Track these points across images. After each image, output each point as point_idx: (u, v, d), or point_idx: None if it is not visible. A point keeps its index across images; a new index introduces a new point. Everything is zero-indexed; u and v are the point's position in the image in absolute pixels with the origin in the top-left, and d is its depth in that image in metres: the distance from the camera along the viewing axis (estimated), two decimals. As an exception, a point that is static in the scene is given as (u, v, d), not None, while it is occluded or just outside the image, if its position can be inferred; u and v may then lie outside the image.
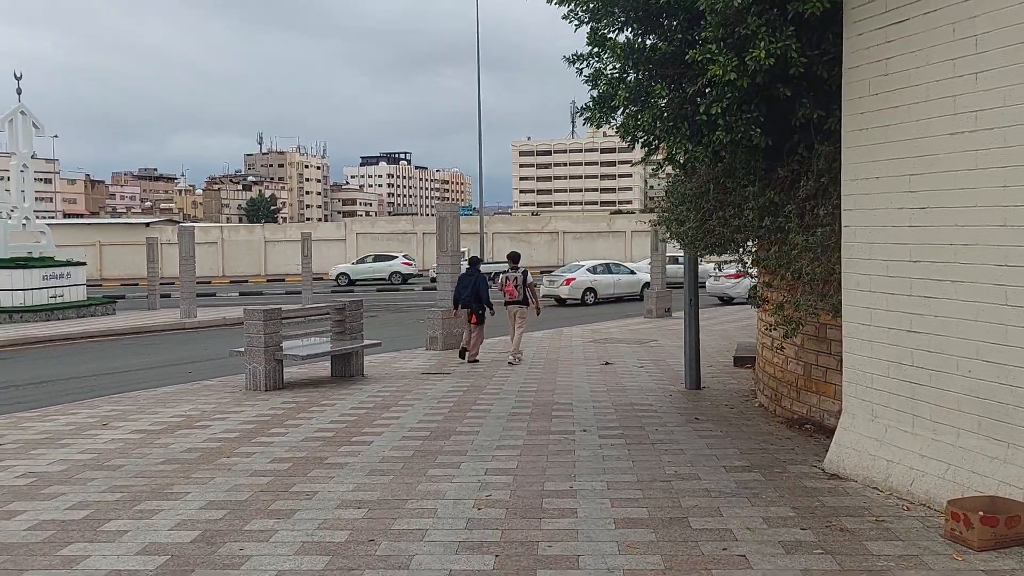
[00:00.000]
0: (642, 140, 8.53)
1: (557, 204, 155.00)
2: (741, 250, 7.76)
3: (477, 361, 13.31)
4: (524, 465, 6.45)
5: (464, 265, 15.18)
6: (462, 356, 13.41)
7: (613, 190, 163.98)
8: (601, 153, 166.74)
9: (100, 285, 48.55)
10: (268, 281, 50.05)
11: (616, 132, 8.51)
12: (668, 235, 9.05)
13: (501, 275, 13.83)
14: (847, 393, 6.03)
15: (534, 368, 12.61)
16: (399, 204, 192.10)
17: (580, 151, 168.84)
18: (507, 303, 13.68)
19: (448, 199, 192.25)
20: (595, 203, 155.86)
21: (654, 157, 8.62)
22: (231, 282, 49.58)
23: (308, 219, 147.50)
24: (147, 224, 61.19)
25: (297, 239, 38.18)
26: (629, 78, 7.26)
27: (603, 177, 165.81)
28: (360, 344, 11.57)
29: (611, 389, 10.40)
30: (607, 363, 13.14)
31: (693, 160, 7.06)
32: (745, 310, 23.29)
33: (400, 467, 6.49)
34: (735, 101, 6.45)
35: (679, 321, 20.71)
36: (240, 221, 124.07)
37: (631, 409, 8.92)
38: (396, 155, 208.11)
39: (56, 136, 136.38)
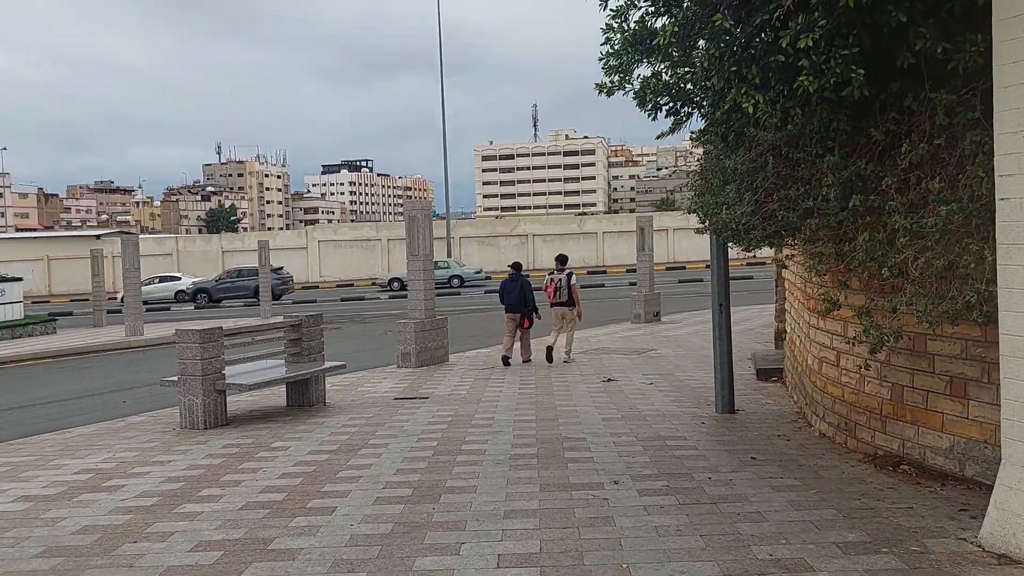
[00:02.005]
0: (667, 107, 6.79)
1: (521, 208, 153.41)
2: (816, 239, 5.96)
3: (530, 360, 13.62)
4: (550, 547, 4.59)
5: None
6: (506, 363, 13.24)
7: (577, 192, 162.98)
8: (564, 156, 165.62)
9: (48, 301, 45.93)
10: (226, 293, 47.55)
11: (635, 97, 6.76)
12: (706, 225, 7.26)
13: (547, 276, 13.86)
14: (1010, 435, 4.27)
15: (525, 388, 10.76)
16: (362, 212, 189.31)
17: (543, 154, 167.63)
18: (552, 304, 13.73)
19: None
20: (559, 206, 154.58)
21: (689, 130, 6.84)
22: (186, 295, 47.01)
23: (270, 228, 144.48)
24: (97, 236, 58.35)
25: (256, 248, 35.89)
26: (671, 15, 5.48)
27: (567, 180, 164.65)
28: (320, 368, 9.63)
29: (627, 416, 8.59)
30: (609, 380, 11.34)
31: (756, 122, 5.31)
32: (739, 311, 21.63)
33: (376, 554, 4.60)
34: (827, 33, 4.69)
35: (671, 327, 19.03)
36: (200, 232, 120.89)
37: (663, 446, 7.10)
38: (358, 163, 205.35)
39: (4, 148, 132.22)
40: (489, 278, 43.41)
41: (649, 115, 7.02)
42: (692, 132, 8.06)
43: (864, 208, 5.39)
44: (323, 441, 7.74)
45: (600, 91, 6.59)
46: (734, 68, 5.09)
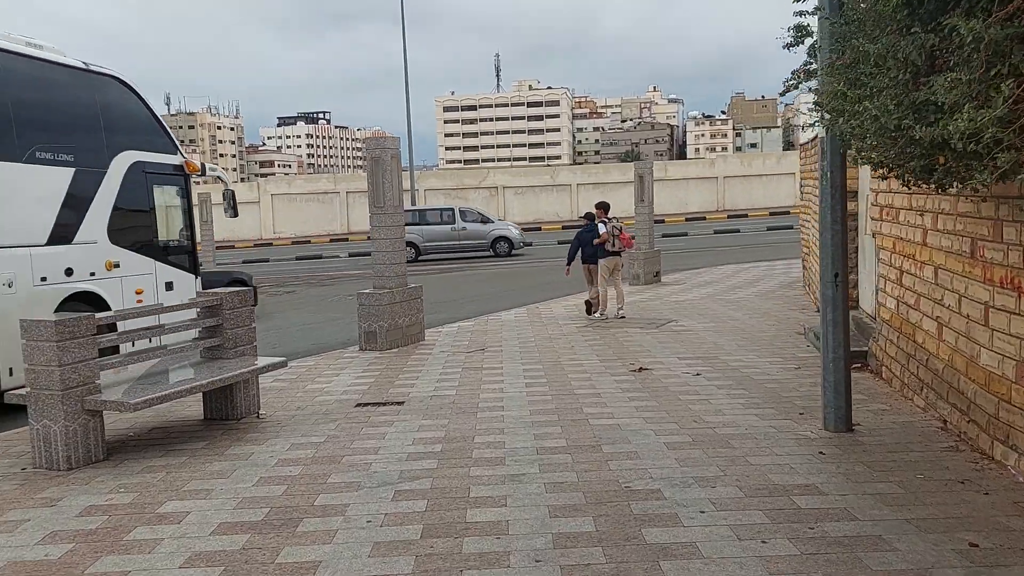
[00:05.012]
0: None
1: (484, 160, 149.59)
2: None
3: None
4: None
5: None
6: (590, 312, 12.90)
7: (542, 144, 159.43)
8: (528, 107, 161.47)
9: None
10: (172, 251, 43.97)
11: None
12: (869, 148, 4.43)
13: (608, 225, 12.77)
14: None
15: (534, 383, 8.00)
16: (320, 165, 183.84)
17: (506, 105, 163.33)
18: (609, 253, 12.75)
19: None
20: (524, 158, 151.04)
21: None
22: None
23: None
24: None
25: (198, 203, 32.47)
26: None
27: (531, 132, 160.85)
28: (248, 369, 6.72)
29: (698, 437, 5.86)
30: (641, 368, 8.63)
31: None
32: (747, 269, 19.02)
33: None
34: None
35: (677, 290, 16.30)
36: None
37: (795, 510, 4.38)
38: (315, 115, 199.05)
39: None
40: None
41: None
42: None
43: None
44: (243, 500, 4.89)
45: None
46: None
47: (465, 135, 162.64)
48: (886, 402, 6.80)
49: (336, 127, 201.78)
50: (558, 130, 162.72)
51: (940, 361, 6.10)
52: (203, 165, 11.35)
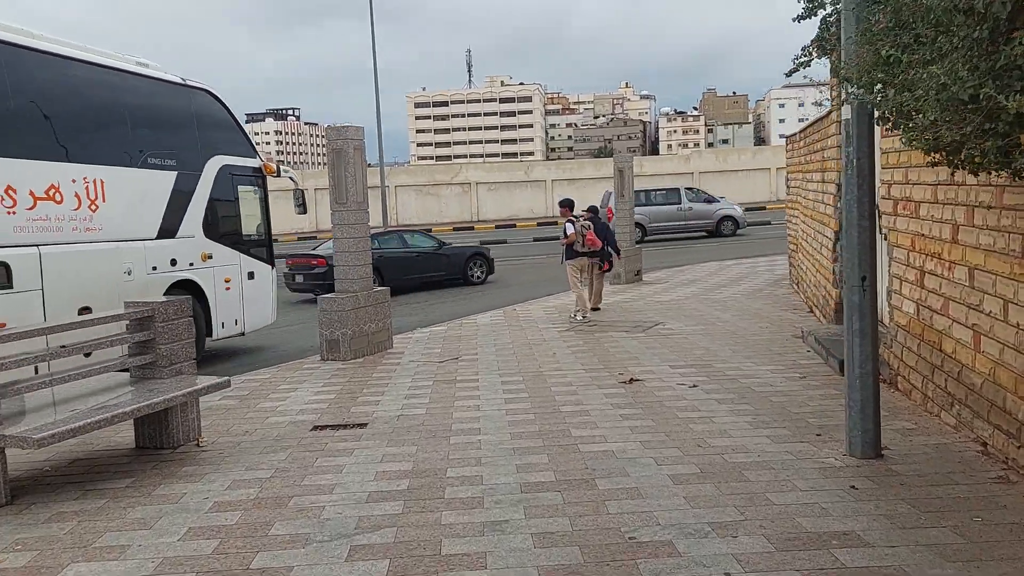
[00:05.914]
0: None
1: (457, 157, 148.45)
2: None
3: (599, 309, 12.73)
4: None
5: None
6: (595, 309, 12.63)
7: (515, 141, 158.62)
8: (500, 103, 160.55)
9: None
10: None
11: None
12: (924, 126, 3.59)
13: (577, 224, 12.25)
14: None
15: (514, 398, 7.16)
16: (289, 162, 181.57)
17: (479, 101, 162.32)
18: (579, 254, 12.27)
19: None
20: (497, 155, 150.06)
21: None
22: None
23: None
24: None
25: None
26: None
27: (504, 128, 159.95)
28: (183, 392, 5.80)
29: (706, 468, 5.05)
30: (632, 380, 7.82)
31: None
32: (730, 267, 18.30)
33: None
34: None
35: (659, 289, 15.51)
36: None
37: (834, 564, 3.57)
38: (284, 111, 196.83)
39: None
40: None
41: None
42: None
43: None
44: (163, 561, 4.00)
45: None
46: None
47: (437, 131, 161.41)
48: (910, 419, 6.04)
49: (306, 123, 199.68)
50: (531, 126, 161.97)
51: (977, 375, 5.34)
52: (278, 167, 12.37)
